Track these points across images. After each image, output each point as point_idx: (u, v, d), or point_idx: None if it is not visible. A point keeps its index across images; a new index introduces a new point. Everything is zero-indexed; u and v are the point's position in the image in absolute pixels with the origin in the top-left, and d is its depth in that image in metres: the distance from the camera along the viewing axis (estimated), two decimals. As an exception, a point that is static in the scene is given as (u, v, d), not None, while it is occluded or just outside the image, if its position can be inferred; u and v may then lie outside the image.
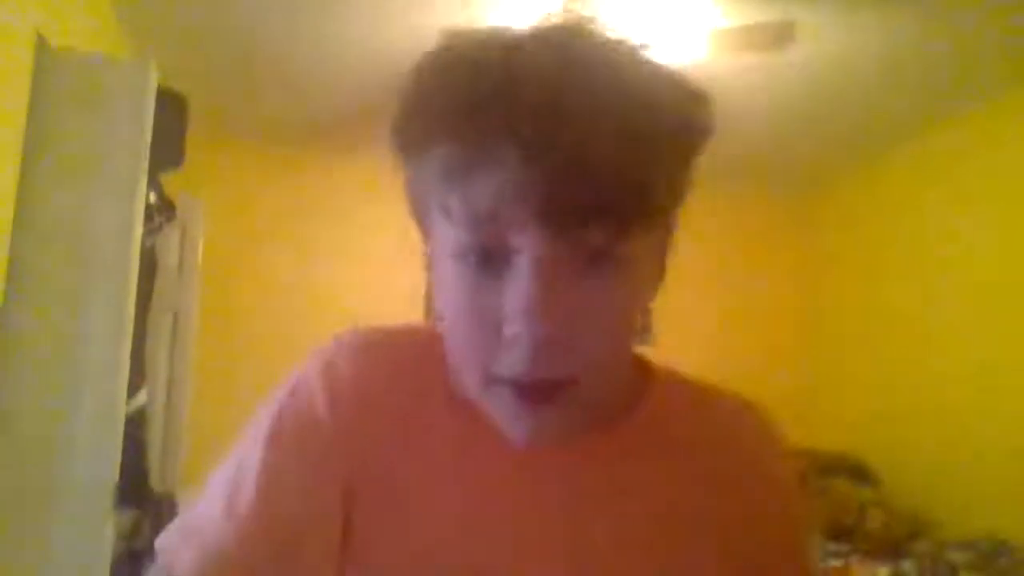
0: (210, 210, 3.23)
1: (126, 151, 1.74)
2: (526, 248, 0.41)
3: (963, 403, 3.01)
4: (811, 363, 3.89)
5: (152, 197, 1.94)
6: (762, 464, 0.56)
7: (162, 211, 2.07)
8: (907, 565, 2.47)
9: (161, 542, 0.49)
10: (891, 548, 2.70)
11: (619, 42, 0.45)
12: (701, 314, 3.87)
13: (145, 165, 1.76)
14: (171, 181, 2.19)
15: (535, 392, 0.44)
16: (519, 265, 0.42)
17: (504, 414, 0.47)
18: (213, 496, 0.50)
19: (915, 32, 2.53)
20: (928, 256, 3.34)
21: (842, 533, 2.83)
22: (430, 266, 0.51)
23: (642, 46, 0.45)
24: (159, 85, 1.83)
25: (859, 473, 3.28)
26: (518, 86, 0.40)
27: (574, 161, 0.39)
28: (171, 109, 1.99)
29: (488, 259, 0.43)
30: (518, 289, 0.41)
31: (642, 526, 0.52)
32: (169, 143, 1.98)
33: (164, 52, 2.66)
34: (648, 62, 0.45)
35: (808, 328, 3.98)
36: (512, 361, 0.43)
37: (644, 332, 0.52)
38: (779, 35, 2.21)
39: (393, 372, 0.54)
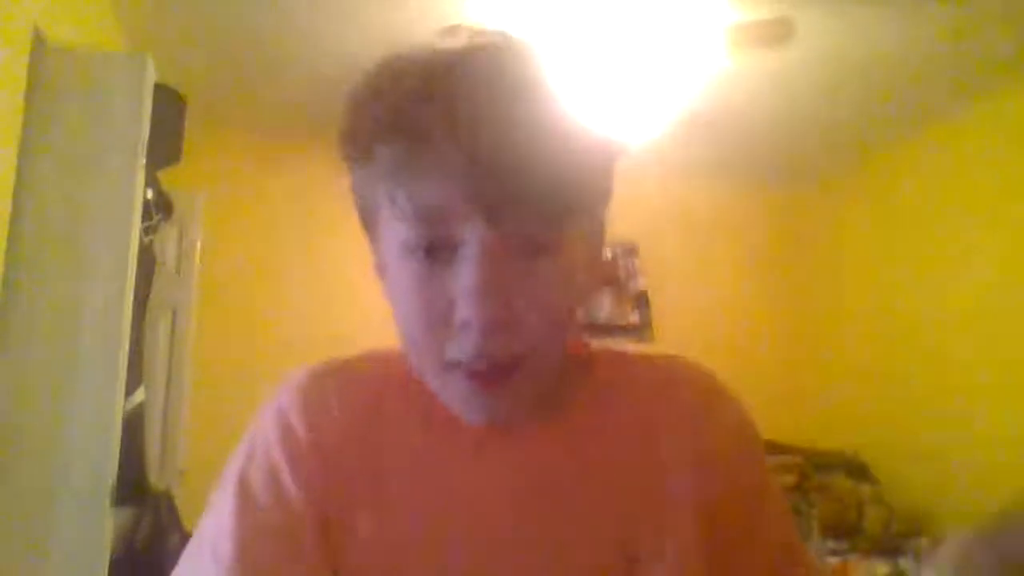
0: (208, 207, 3.23)
1: (123, 147, 1.73)
2: (471, 238, 0.45)
3: (963, 402, 3.01)
4: (811, 362, 3.89)
5: (150, 193, 1.93)
6: (703, 409, 0.58)
7: (160, 208, 2.06)
8: (906, 564, 2.47)
9: None
10: (890, 546, 2.70)
11: (544, 65, 0.49)
12: (700, 313, 3.87)
13: (143, 161, 1.75)
14: (169, 177, 2.19)
15: (488, 373, 0.47)
16: (464, 254, 0.46)
17: (460, 398, 0.50)
18: (198, 551, 0.53)
19: (915, 32, 2.52)
20: (928, 255, 3.33)
21: (841, 531, 2.83)
22: (381, 272, 0.54)
23: (561, 68, 0.50)
24: (157, 81, 1.83)
25: (858, 471, 3.28)
26: (459, 93, 0.45)
27: (510, 161, 0.44)
28: (169, 105, 1.98)
29: (435, 252, 0.47)
30: (465, 275, 0.45)
31: (603, 501, 0.54)
32: (167, 139, 1.98)
33: (162, 48, 2.64)
34: (564, 82, 0.49)
35: (808, 328, 3.98)
36: (464, 345, 0.47)
37: (582, 322, 0.53)
38: (778, 32, 2.21)
39: (344, 400, 0.57)
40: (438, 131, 0.45)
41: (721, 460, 0.56)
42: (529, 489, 0.54)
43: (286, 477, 0.53)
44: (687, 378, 0.61)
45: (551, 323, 0.49)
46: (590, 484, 0.54)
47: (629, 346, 3.47)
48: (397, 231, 0.48)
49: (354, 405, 0.57)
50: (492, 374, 0.48)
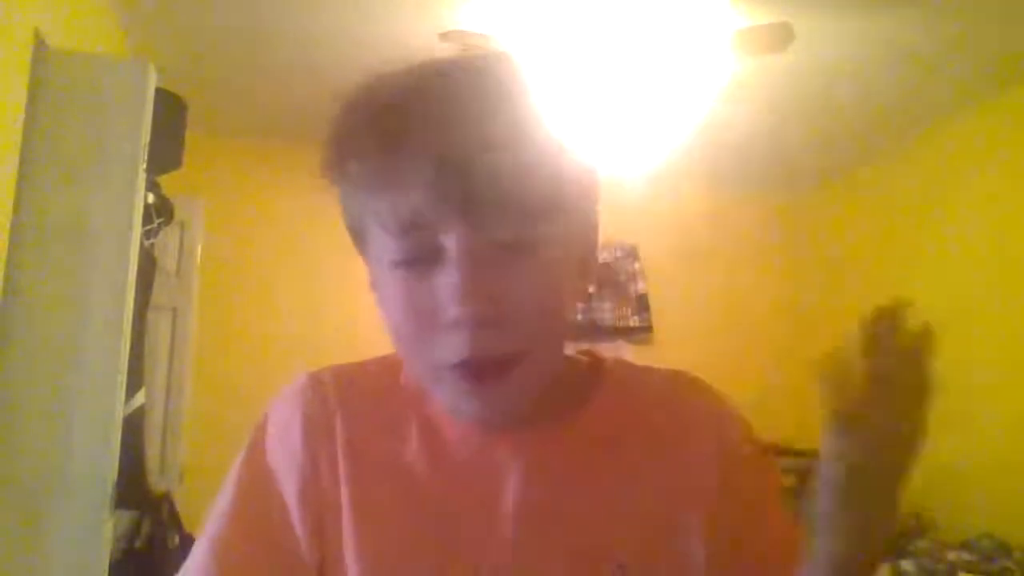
0: (209, 211, 3.23)
1: (124, 151, 1.74)
2: (452, 243, 0.47)
3: (963, 403, 3.01)
4: (811, 363, 3.89)
5: (151, 198, 1.93)
6: (709, 424, 0.59)
7: (161, 212, 2.06)
8: (906, 565, 2.47)
9: None
10: (890, 548, 2.70)
11: (520, 73, 0.51)
12: (700, 314, 3.87)
13: (144, 166, 1.76)
14: (170, 182, 2.19)
15: (480, 371, 0.48)
16: (448, 259, 0.47)
17: (455, 398, 0.51)
18: (200, 548, 0.55)
19: (914, 33, 2.53)
20: (927, 255, 3.34)
21: (841, 533, 2.83)
22: (374, 287, 0.55)
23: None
24: (158, 86, 1.83)
25: (858, 473, 3.28)
26: (431, 102, 0.47)
27: (482, 161, 0.45)
28: (170, 110, 1.98)
29: (420, 261, 0.48)
30: (449, 277, 0.47)
31: (607, 510, 0.55)
32: (168, 144, 1.98)
33: (163, 52, 2.66)
34: (541, 90, 0.51)
35: (808, 329, 3.98)
36: (454, 345, 0.48)
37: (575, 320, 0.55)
38: (778, 37, 2.21)
39: (344, 405, 0.58)
40: (411, 138, 0.46)
41: (725, 474, 0.57)
42: (531, 496, 0.54)
43: (282, 477, 0.55)
44: (694, 394, 0.62)
45: (540, 320, 0.50)
46: (594, 492, 0.55)
47: (629, 347, 3.49)
48: (383, 244, 0.50)
49: (353, 410, 0.58)
50: (484, 372, 0.48)
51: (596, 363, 0.62)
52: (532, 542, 0.53)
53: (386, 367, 0.62)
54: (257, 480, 0.56)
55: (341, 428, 0.57)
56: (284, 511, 0.54)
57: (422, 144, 0.46)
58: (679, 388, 0.62)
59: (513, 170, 0.46)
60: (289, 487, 0.55)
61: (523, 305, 0.48)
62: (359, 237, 0.55)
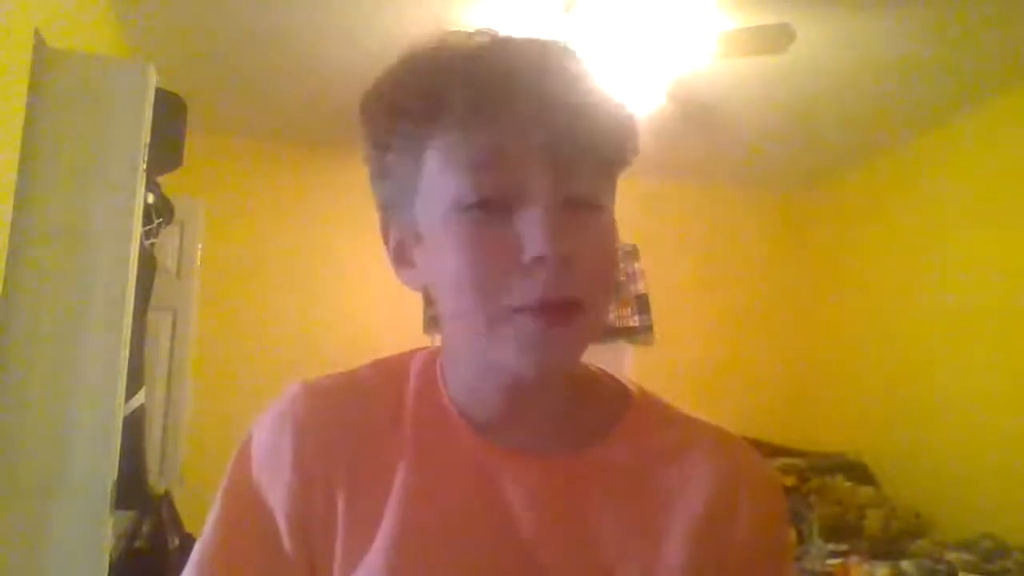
0: (209, 211, 3.23)
1: (124, 152, 1.74)
2: (538, 185, 0.47)
3: (963, 404, 3.01)
4: (810, 363, 3.89)
5: (151, 198, 1.93)
6: (740, 489, 0.56)
7: (161, 212, 2.06)
8: (906, 565, 2.47)
9: None
10: (890, 548, 2.70)
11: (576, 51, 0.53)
12: (701, 315, 3.88)
13: (143, 166, 1.76)
14: (170, 182, 2.19)
15: (555, 312, 0.47)
16: (534, 200, 0.47)
17: (521, 342, 0.49)
18: (188, 571, 0.55)
19: (912, 34, 2.53)
20: (928, 258, 3.34)
21: (841, 533, 2.83)
22: (400, 255, 0.55)
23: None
24: (158, 86, 1.83)
25: (859, 473, 3.28)
26: (522, 53, 0.49)
27: (579, 116, 0.47)
28: (170, 110, 1.98)
29: (490, 205, 0.47)
30: (536, 216, 0.47)
31: (619, 535, 0.54)
32: (168, 144, 1.98)
33: (163, 52, 2.66)
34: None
35: (808, 329, 3.98)
36: (534, 285, 0.47)
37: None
38: (778, 38, 2.21)
39: (336, 416, 0.57)
40: (512, 81, 0.47)
41: (743, 550, 0.55)
42: (538, 515, 0.53)
43: (270, 492, 0.55)
44: (728, 451, 0.58)
45: (603, 272, 0.51)
46: (594, 535, 0.53)
47: (629, 347, 3.47)
48: (449, 187, 0.48)
49: (348, 422, 0.57)
50: (559, 312, 0.48)
51: (623, 392, 0.60)
52: (524, 567, 0.52)
53: (381, 372, 0.61)
54: (244, 497, 0.55)
55: (336, 441, 0.56)
56: (272, 528, 0.54)
57: (520, 86, 0.47)
58: (712, 442, 0.58)
59: (595, 128, 0.48)
60: (277, 502, 0.54)
61: (591, 256, 0.49)
62: (403, 196, 0.52)
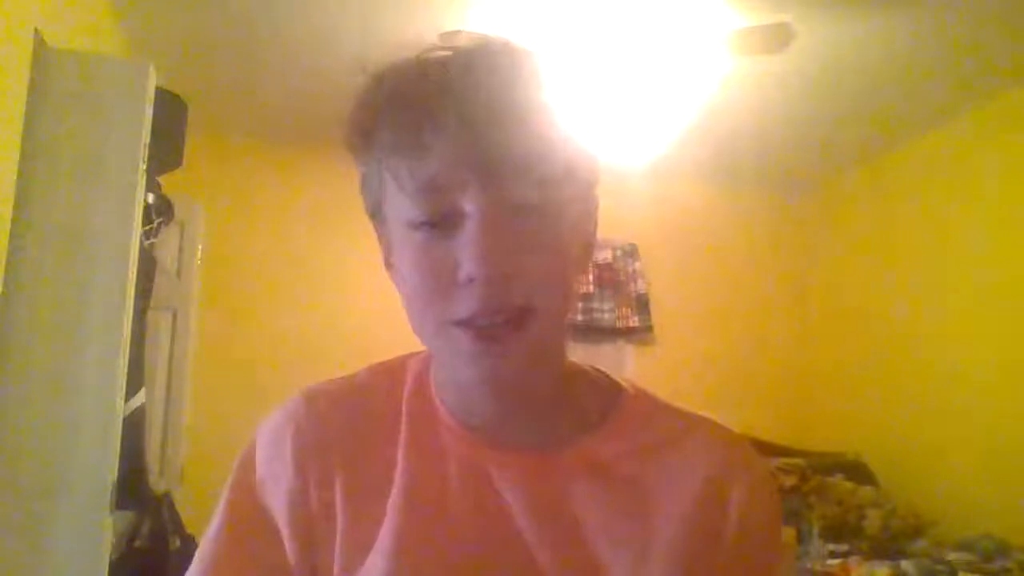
0: (209, 210, 3.23)
1: (124, 151, 1.74)
2: (471, 205, 0.50)
3: (964, 404, 3.01)
4: (810, 363, 3.89)
5: (151, 198, 1.93)
6: (729, 479, 0.57)
7: (161, 212, 2.06)
8: (906, 565, 2.47)
9: None
10: (890, 548, 2.70)
11: (533, 58, 0.55)
12: (701, 315, 3.87)
13: (143, 166, 1.76)
14: (170, 182, 2.19)
15: (492, 327, 0.50)
16: (466, 220, 0.50)
17: (465, 357, 0.52)
18: (192, 572, 0.56)
19: (913, 34, 2.53)
20: (926, 256, 3.34)
21: (841, 533, 2.83)
22: (388, 262, 0.58)
23: (545, 63, 0.55)
24: (158, 85, 1.83)
25: (859, 473, 3.28)
26: (454, 75, 0.51)
27: (502, 130, 0.49)
28: (170, 109, 1.98)
29: (437, 224, 0.51)
30: (467, 236, 0.49)
31: (610, 525, 0.55)
32: (168, 144, 1.98)
33: (163, 52, 2.66)
34: (551, 74, 0.55)
35: (808, 329, 3.98)
36: (468, 301, 0.50)
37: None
38: (778, 38, 2.21)
39: (336, 419, 0.60)
40: (435, 105, 0.49)
41: (733, 544, 0.55)
42: (527, 520, 0.55)
43: (271, 496, 0.57)
44: (720, 443, 0.59)
45: (547, 276, 0.52)
46: (586, 525, 0.55)
47: (629, 347, 3.47)
48: (402, 209, 0.52)
49: (348, 427, 0.59)
50: (496, 328, 0.50)
51: (615, 389, 0.62)
52: (518, 563, 0.54)
53: (379, 375, 0.63)
54: (246, 503, 0.57)
55: (337, 446, 0.58)
56: (274, 533, 0.56)
57: (443, 111, 0.49)
58: (703, 435, 0.59)
59: (526, 140, 0.50)
60: (279, 507, 0.56)
61: (532, 262, 0.51)
62: (378, 208, 0.57)
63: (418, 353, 0.63)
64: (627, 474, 0.57)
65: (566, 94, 0.54)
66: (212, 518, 0.58)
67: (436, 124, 0.49)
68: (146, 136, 1.77)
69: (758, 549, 0.56)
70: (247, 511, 0.57)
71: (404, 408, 0.59)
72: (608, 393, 0.61)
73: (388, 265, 0.59)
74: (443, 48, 0.54)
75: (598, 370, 0.64)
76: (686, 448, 0.58)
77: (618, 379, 0.63)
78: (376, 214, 0.57)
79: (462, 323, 0.50)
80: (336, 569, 0.54)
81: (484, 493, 0.55)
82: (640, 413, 0.60)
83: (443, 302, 0.51)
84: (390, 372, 0.63)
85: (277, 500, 0.56)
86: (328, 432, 0.58)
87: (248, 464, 0.59)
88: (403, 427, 0.58)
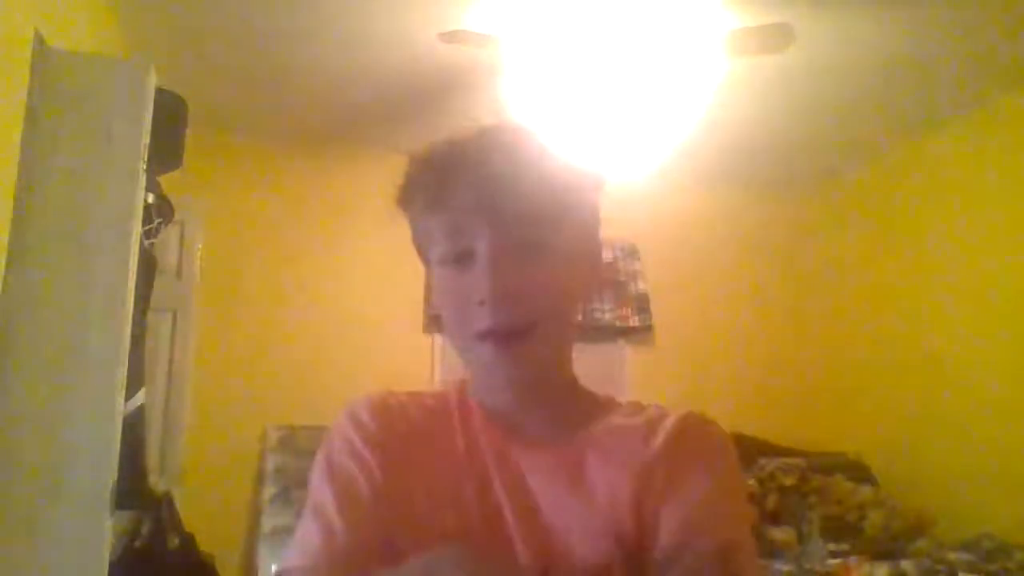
0: (209, 211, 3.23)
1: (124, 152, 1.74)
2: (481, 245, 0.66)
3: (964, 404, 3.01)
4: (812, 364, 3.89)
5: (151, 198, 1.93)
6: (681, 428, 0.70)
7: (161, 212, 2.06)
8: (906, 565, 2.47)
9: (282, 565, 0.67)
10: (890, 548, 2.70)
11: (533, 136, 0.71)
12: (701, 315, 3.88)
13: (143, 166, 1.76)
14: (170, 182, 2.19)
15: (503, 337, 0.65)
16: (478, 257, 0.66)
17: (486, 362, 0.68)
18: (308, 529, 0.68)
19: (913, 36, 2.53)
20: (927, 256, 3.34)
21: (841, 533, 2.83)
22: (430, 286, 0.72)
23: (550, 140, 0.70)
24: (158, 86, 1.83)
25: (859, 473, 3.28)
26: (469, 152, 0.68)
27: (505, 188, 0.66)
28: (170, 109, 1.98)
29: (461, 260, 0.67)
30: (479, 270, 0.66)
31: (597, 487, 0.69)
32: (168, 144, 1.98)
33: (163, 53, 2.66)
34: (550, 147, 0.70)
35: (809, 329, 3.99)
36: (483, 319, 0.65)
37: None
38: (778, 38, 2.21)
39: (398, 411, 0.75)
40: (454, 172, 0.67)
41: (662, 444, 0.69)
42: (546, 489, 0.70)
43: (359, 448, 0.72)
44: (680, 415, 0.72)
45: (545, 299, 0.67)
46: (588, 480, 0.70)
47: (629, 347, 3.47)
48: (435, 252, 0.70)
49: (404, 416, 0.75)
50: (507, 338, 0.65)
51: (609, 399, 0.77)
52: (549, 518, 0.68)
53: (428, 395, 0.79)
54: (347, 453, 0.71)
55: (396, 425, 0.73)
56: (372, 473, 0.70)
57: (460, 175, 0.67)
58: (673, 414, 0.72)
59: (523, 195, 0.66)
60: (364, 451, 0.71)
61: (531, 287, 0.66)
62: (423, 249, 0.73)
63: (450, 382, 0.80)
64: (610, 447, 0.71)
65: (560, 159, 0.70)
66: (312, 481, 0.71)
67: (454, 185, 0.66)
68: (146, 136, 1.77)
69: (692, 445, 0.69)
70: (349, 458, 0.70)
71: (454, 408, 0.75)
72: (603, 401, 0.77)
73: (430, 291, 0.71)
74: (463, 132, 0.70)
75: (596, 392, 0.78)
76: (657, 426, 0.71)
77: (613, 396, 0.78)
78: (423, 256, 0.74)
79: (482, 335, 0.66)
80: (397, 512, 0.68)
81: (506, 469, 0.70)
82: (624, 411, 0.75)
83: (467, 320, 0.67)
84: (436, 392, 0.79)
85: (368, 454, 0.70)
86: (401, 412, 0.75)
87: (349, 427, 0.72)
88: (455, 419, 0.74)
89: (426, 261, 0.74)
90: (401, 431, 0.73)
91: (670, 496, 0.65)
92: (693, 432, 0.70)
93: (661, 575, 0.62)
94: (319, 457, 0.73)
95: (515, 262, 0.65)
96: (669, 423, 0.71)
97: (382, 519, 0.67)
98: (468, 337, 0.67)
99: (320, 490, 0.70)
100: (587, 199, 0.73)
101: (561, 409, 0.73)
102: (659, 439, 0.70)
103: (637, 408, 0.75)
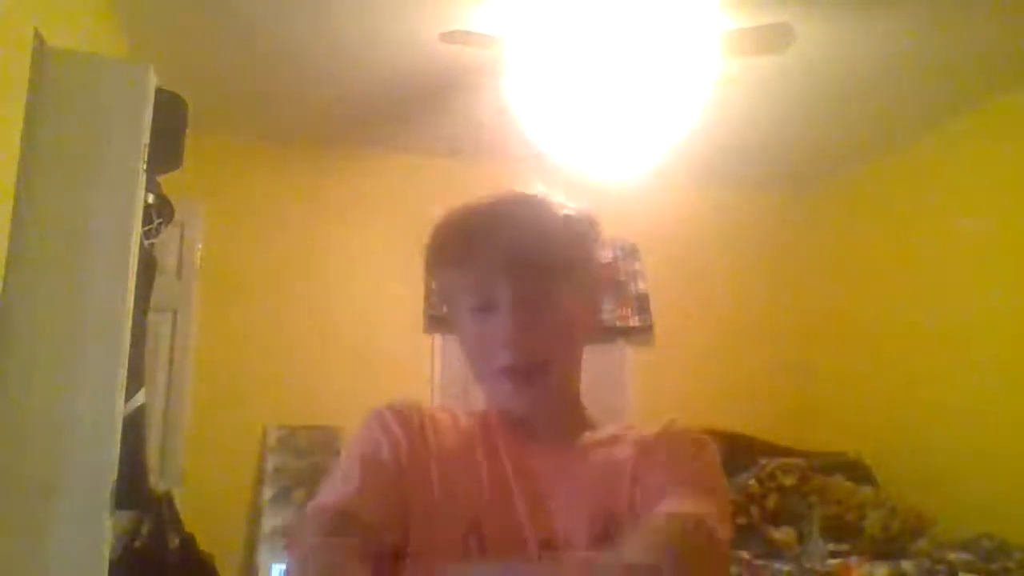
0: (209, 211, 3.23)
1: (124, 152, 1.74)
2: (501, 295, 0.79)
3: (963, 403, 3.01)
4: (810, 363, 3.89)
5: (151, 198, 1.93)
6: (665, 432, 0.84)
7: (161, 212, 2.06)
8: (906, 565, 2.47)
9: (308, 510, 0.75)
10: (890, 548, 2.70)
11: (544, 198, 0.85)
12: (701, 315, 3.87)
13: (143, 166, 1.76)
14: (170, 182, 2.19)
15: (520, 372, 0.79)
16: (500, 305, 0.79)
17: (505, 394, 0.81)
18: (334, 481, 0.79)
19: (913, 36, 2.53)
20: (926, 256, 3.34)
21: (841, 533, 2.83)
22: (455, 330, 0.86)
23: (560, 201, 0.85)
24: (158, 86, 1.83)
25: (859, 473, 3.28)
26: (486, 220, 0.82)
27: (521, 248, 0.80)
28: (170, 109, 1.98)
29: (485, 309, 0.80)
30: (500, 317, 0.79)
31: (593, 484, 0.82)
32: (168, 144, 1.98)
33: (163, 52, 2.66)
34: (558, 205, 0.84)
35: (809, 330, 3.98)
36: (505, 357, 0.79)
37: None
38: (778, 38, 2.21)
39: (420, 416, 0.86)
40: (475, 235, 0.81)
41: (656, 450, 0.81)
42: (549, 480, 0.82)
43: (385, 447, 0.81)
44: (664, 423, 0.85)
45: (557, 339, 0.81)
46: (586, 476, 0.83)
47: (629, 347, 3.46)
48: (463, 301, 0.83)
49: (431, 414, 0.87)
50: (524, 373, 0.79)
51: (603, 419, 0.89)
52: (553, 504, 0.80)
53: (446, 408, 0.90)
54: (371, 446, 0.81)
55: (420, 427, 0.83)
56: (395, 453, 0.80)
57: (480, 238, 0.80)
58: (659, 425, 0.85)
59: (534, 253, 0.79)
60: (390, 449, 0.80)
61: (544, 331, 0.79)
62: (450, 302, 0.86)
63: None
64: (603, 453, 0.84)
65: (565, 217, 0.83)
66: (342, 465, 0.80)
67: (476, 246, 0.80)
68: (146, 136, 1.77)
69: (674, 445, 0.81)
70: (378, 443, 0.80)
71: (475, 422, 0.87)
72: (595, 414, 0.89)
73: (454, 331, 0.86)
74: (481, 198, 0.84)
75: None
76: (644, 437, 0.84)
77: (592, 413, 0.91)
78: (449, 307, 0.87)
79: (504, 371, 0.79)
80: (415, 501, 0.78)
81: (520, 468, 0.81)
82: (616, 426, 0.87)
83: (491, 358, 0.80)
84: (458, 411, 0.91)
85: (392, 444, 0.80)
86: (428, 411, 0.87)
87: (374, 423, 0.82)
88: (477, 425, 0.86)
89: (451, 310, 0.87)
90: (427, 424, 0.85)
91: (651, 484, 0.77)
92: (676, 436, 0.84)
93: (631, 534, 0.72)
94: (354, 435, 0.84)
95: (531, 309, 0.78)
96: (655, 430, 0.85)
97: (401, 490, 0.77)
98: (491, 373, 0.81)
99: (350, 456, 0.81)
100: (588, 249, 0.86)
101: (567, 422, 0.86)
102: (646, 442, 0.83)
103: (628, 425, 0.88)
